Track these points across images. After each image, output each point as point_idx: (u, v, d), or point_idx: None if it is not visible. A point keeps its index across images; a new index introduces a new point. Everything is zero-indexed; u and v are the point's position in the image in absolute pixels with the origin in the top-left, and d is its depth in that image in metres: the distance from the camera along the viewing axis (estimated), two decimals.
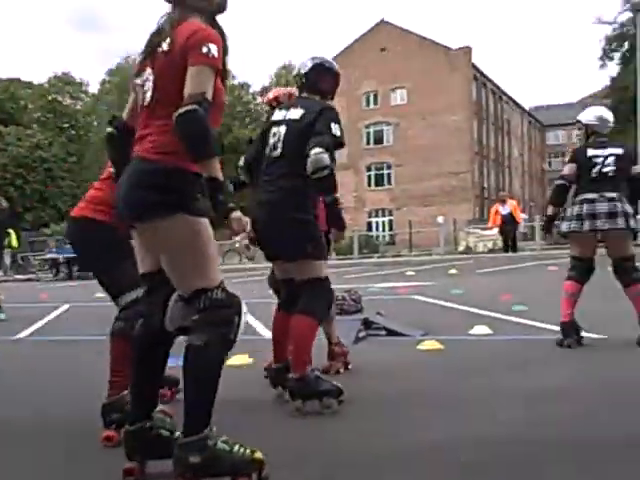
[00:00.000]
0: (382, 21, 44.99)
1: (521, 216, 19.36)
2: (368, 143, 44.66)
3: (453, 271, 15.65)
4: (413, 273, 14.71)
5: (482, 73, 46.06)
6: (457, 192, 41.01)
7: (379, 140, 44.56)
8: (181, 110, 2.10)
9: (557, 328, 4.85)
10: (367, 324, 5.35)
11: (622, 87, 27.69)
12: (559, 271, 12.06)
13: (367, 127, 44.50)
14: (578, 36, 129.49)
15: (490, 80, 48.33)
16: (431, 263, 20.71)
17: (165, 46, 2.22)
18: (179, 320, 2.27)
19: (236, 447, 2.18)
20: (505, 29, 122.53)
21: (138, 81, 2.34)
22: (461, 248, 28.04)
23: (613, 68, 29.90)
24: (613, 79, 29.57)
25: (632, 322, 4.59)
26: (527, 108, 61.35)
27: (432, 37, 43.90)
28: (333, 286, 3.46)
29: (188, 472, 2.11)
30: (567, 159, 4.88)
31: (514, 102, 54.35)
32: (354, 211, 39.86)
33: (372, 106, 44.68)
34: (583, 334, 4.69)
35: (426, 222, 33.10)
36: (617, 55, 29.39)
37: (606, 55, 30.09)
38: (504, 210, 18.40)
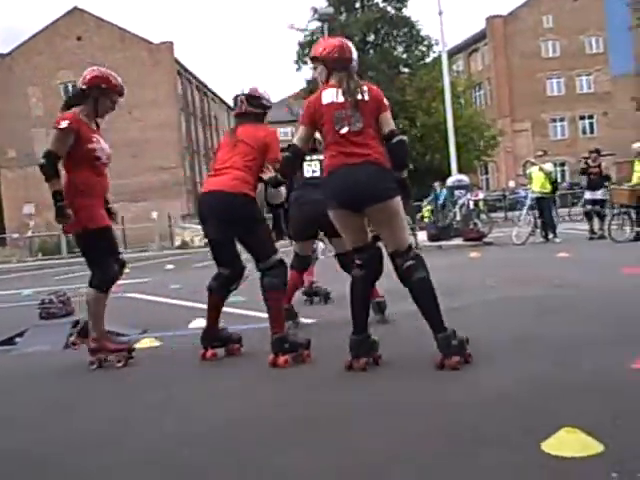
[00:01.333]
0: (75, 8, 42.35)
1: None
2: None
3: (170, 266, 15.51)
4: (128, 270, 14.22)
5: (186, 69, 46.32)
6: (170, 187, 40.52)
7: None
8: (398, 138, 3.50)
9: None
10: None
11: (316, 89, 30.01)
12: None
13: None
14: (278, 39, 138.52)
15: (195, 77, 48.86)
16: (147, 259, 20.25)
17: (365, 96, 3.50)
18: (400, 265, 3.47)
19: (459, 333, 3.39)
20: (208, 28, 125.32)
21: (338, 115, 3.50)
22: (177, 243, 27.97)
23: (308, 71, 31.83)
24: (308, 82, 31.48)
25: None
26: None
27: (132, 30, 42.82)
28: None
29: (452, 351, 3.29)
30: None
31: (220, 99, 55.79)
32: None
33: None
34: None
35: (140, 218, 32.26)
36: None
37: (300, 59, 32.05)
38: None
